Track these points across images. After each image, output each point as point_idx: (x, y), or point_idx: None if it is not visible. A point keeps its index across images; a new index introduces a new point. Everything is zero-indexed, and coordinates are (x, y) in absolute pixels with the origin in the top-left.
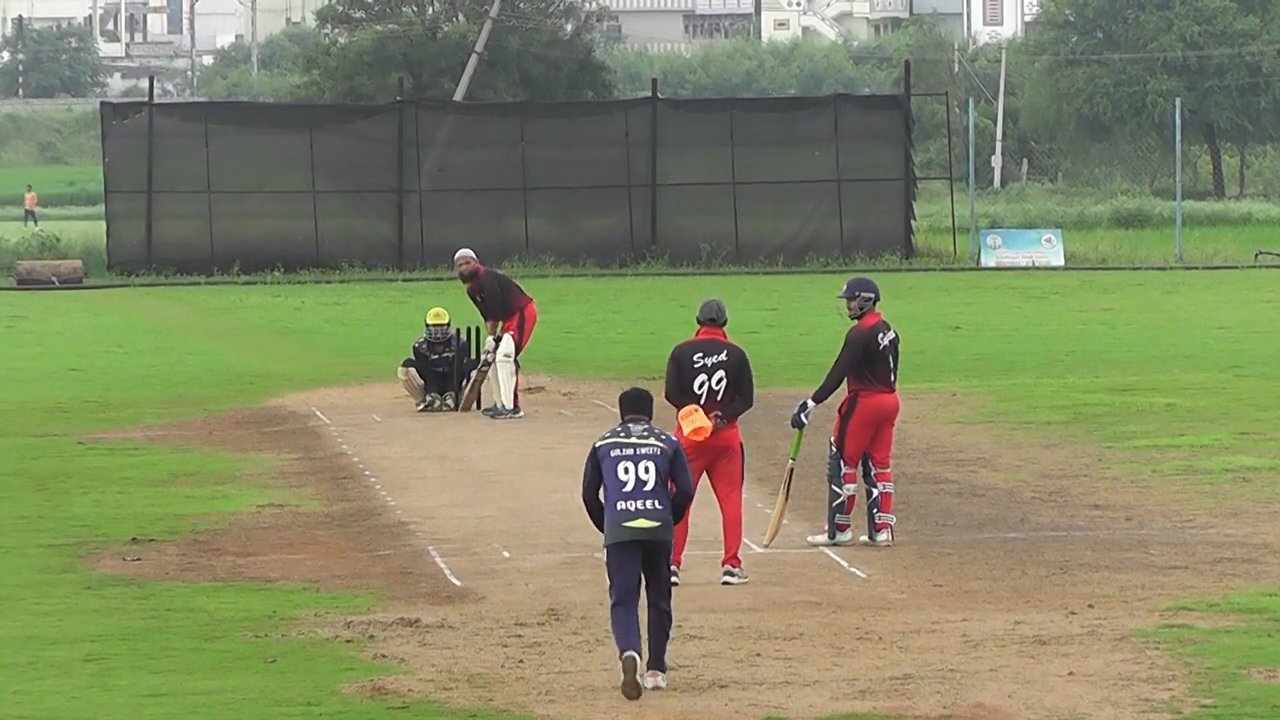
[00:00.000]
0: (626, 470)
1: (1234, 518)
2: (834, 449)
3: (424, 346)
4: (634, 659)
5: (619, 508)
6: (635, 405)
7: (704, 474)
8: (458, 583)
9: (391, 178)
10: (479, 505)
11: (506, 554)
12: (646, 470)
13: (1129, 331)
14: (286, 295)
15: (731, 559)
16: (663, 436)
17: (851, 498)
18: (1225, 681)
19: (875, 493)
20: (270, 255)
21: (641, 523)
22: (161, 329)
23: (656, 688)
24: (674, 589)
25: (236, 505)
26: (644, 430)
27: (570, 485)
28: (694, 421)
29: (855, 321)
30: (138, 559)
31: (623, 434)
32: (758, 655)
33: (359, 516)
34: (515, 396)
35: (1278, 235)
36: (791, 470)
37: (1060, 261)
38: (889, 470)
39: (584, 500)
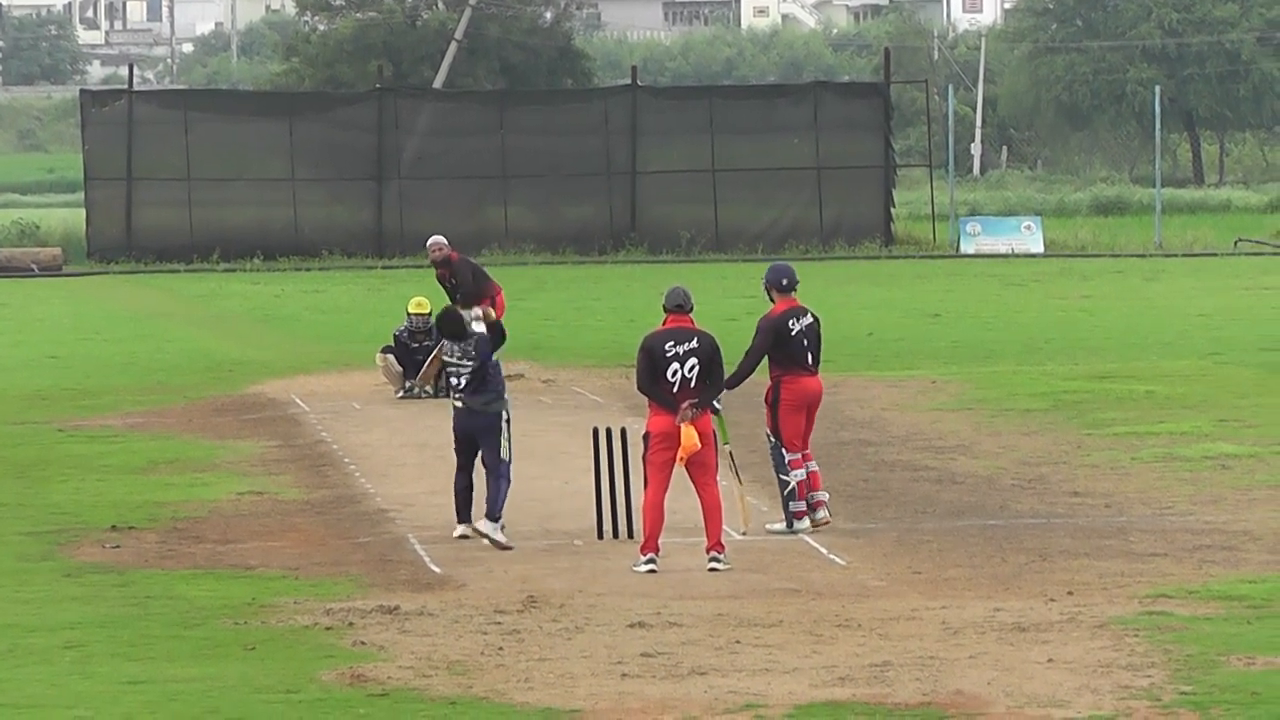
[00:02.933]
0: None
1: (1213, 505)
2: (771, 439)
3: (405, 335)
4: (465, 535)
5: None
6: (450, 329)
7: (680, 463)
8: (437, 570)
9: (371, 165)
10: None
11: (486, 541)
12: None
13: (1108, 319)
14: (266, 283)
15: (715, 545)
16: (472, 354)
17: (802, 483)
18: (1204, 668)
19: (803, 473)
20: (250, 243)
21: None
22: (141, 316)
23: (480, 533)
24: (651, 573)
25: (216, 493)
26: (459, 353)
27: (549, 473)
28: (685, 441)
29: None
30: (117, 546)
31: (451, 354)
32: (737, 643)
33: (338, 504)
34: None
35: (1257, 223)
36: (730, 454)
37: (1040, 249)
38: (809, 452)
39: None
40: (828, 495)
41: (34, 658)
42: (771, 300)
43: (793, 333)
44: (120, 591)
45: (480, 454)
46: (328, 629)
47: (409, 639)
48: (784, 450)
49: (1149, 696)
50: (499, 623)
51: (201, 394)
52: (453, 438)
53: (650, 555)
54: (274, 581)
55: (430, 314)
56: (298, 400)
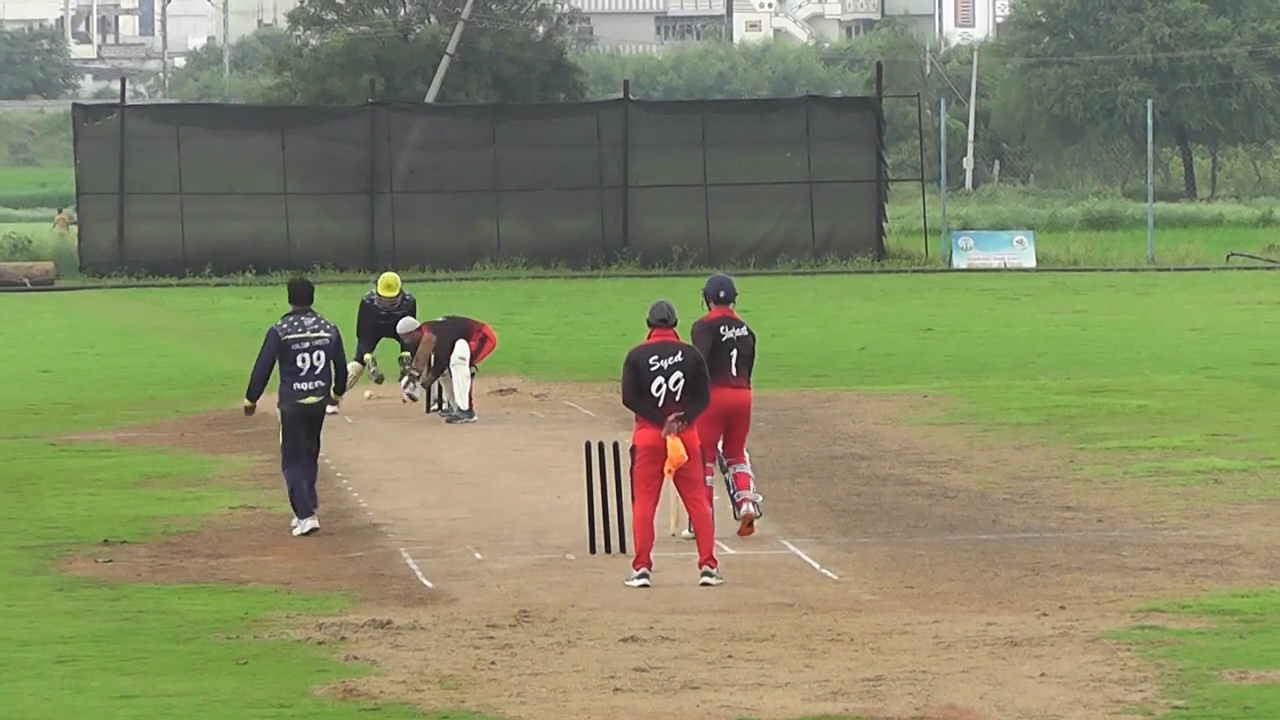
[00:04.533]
0: (304, 360)
1: (1206, 519)
2: None
3: (373, 301)
4: (317, 526)
5: (295, 388)
6: (302, 296)
7: (668, 476)
8: (429, 584)
9: (363, 179)
10: (451, 507)
11: (478, 555)
12: (319, 358)
13: (1101, 333)
14: (259, 297)
15: (708, 560)
16: (328, 325)
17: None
18: (1197, 683)
19: (728, 476)
20: (242, 257)
21: (310, 399)
22: (133, 330)
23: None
24: (644, 588)
25: (208, 507)
26: (314, 323)
27: (542, 487)
28: (672, 453)
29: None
30: (109, 561)
31: (299, 328)
32: (730, 657)
33: (331, 518)
34: (470, 400)
35: (1249, 237)
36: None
37: (1032, 263)
38: (744, 457)
39: (257, 370)
40: (758, 496)
41: (26, 672)
42: (708, 309)
43: (723, 339)
44: (113, 606)
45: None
46: (320, 643)
47: (401, 653)
48: None
49: (1141, 711)
50: (491, 637)
51: (194, 408)
52: (287, 430)
53: (643, 570)
54: (266, 596)
55: (399, 294)
56: None
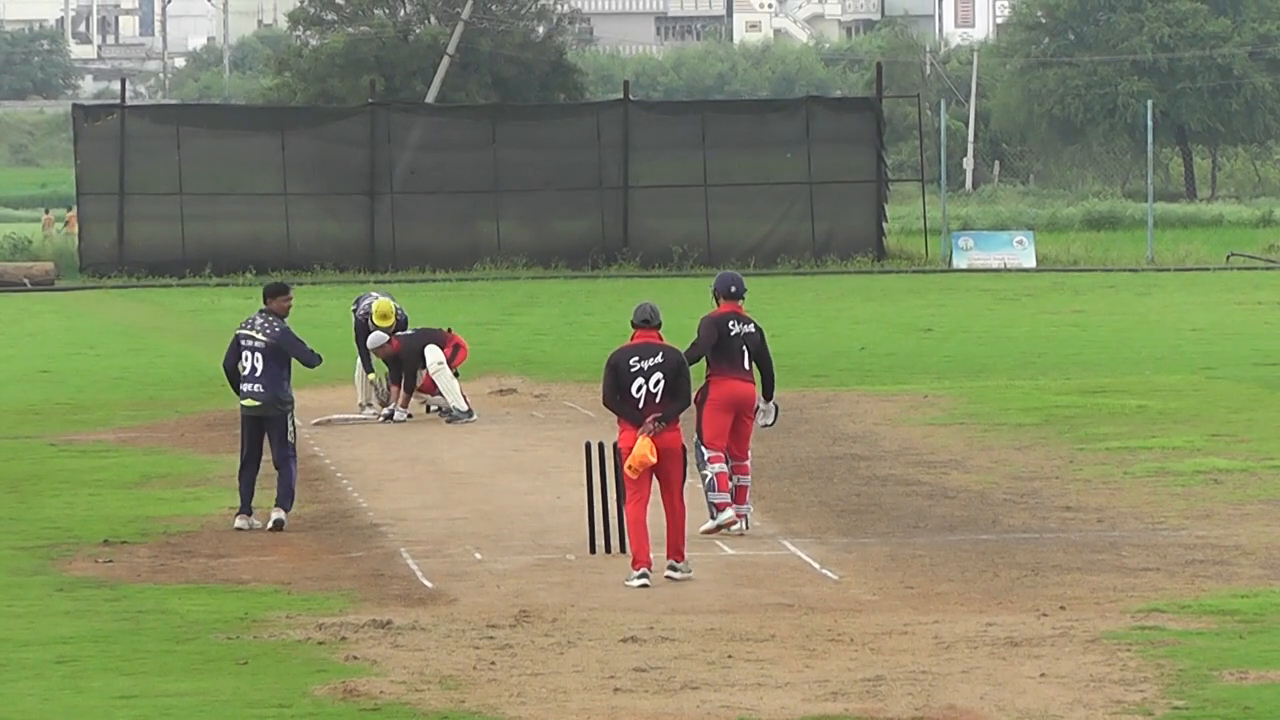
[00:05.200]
0: (246, 359)
1: (1206, 519)
2: (695, 436)
3: (368, 321)
4: (245, 527)
5: (241, 389)
6: (265, 295)
7: (633, 474)
8: (429, 584)
9: (363, 180)
10: (451, 507)
11: (478, 556)
12: (258, 360)
13: (1101, 333)
14: (258, 297)
15: (674, 553)
16: (270, 329)
17: (721, 474)
18: (1197, 683)
19: (731, 485)
20: (242, 257)
21: (248, 402)
22: (133, 331)
23: (279, 521)
24: (644, 588)
25: (209, 507)
26: (263, 323)
27: (542, 488)
28: (637, 451)
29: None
30: (109, 561)
31: (250, 325)
32: (730, 657)
33: (331, 518)
34: (465, 398)
35: (1249, 237)
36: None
37: (1032, 263)
38: (747, 464)
39: (225, 369)
40: (750, 508)
41: (26, 672)
42: (717, 305)
43: (731, 333)
44: (113, 606)
45: (270, 439)
46: (320, 644)
47: (401, 653)
48: (703, 448)
49: (1141, 711)
50: (491, 637)
51: (194, 408)
52: (242, 428)
53: (643, 570)
54: (266, 596)
55: (393, 325)
56: None
